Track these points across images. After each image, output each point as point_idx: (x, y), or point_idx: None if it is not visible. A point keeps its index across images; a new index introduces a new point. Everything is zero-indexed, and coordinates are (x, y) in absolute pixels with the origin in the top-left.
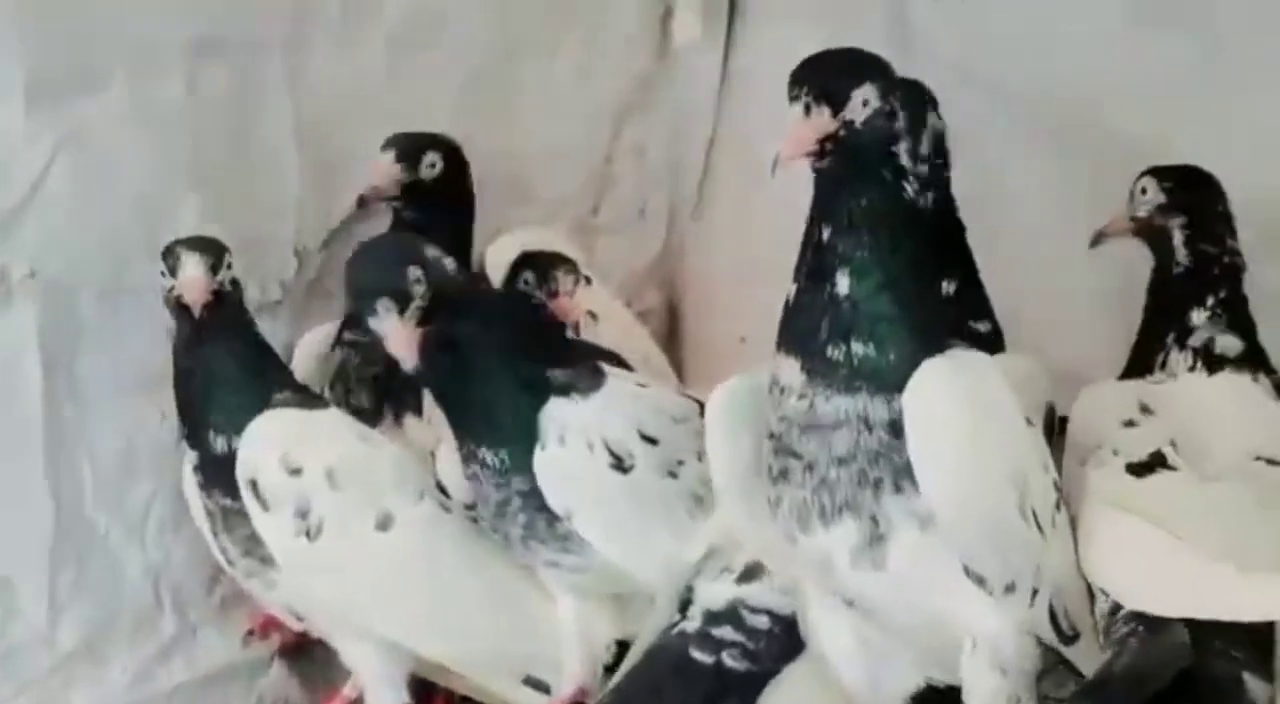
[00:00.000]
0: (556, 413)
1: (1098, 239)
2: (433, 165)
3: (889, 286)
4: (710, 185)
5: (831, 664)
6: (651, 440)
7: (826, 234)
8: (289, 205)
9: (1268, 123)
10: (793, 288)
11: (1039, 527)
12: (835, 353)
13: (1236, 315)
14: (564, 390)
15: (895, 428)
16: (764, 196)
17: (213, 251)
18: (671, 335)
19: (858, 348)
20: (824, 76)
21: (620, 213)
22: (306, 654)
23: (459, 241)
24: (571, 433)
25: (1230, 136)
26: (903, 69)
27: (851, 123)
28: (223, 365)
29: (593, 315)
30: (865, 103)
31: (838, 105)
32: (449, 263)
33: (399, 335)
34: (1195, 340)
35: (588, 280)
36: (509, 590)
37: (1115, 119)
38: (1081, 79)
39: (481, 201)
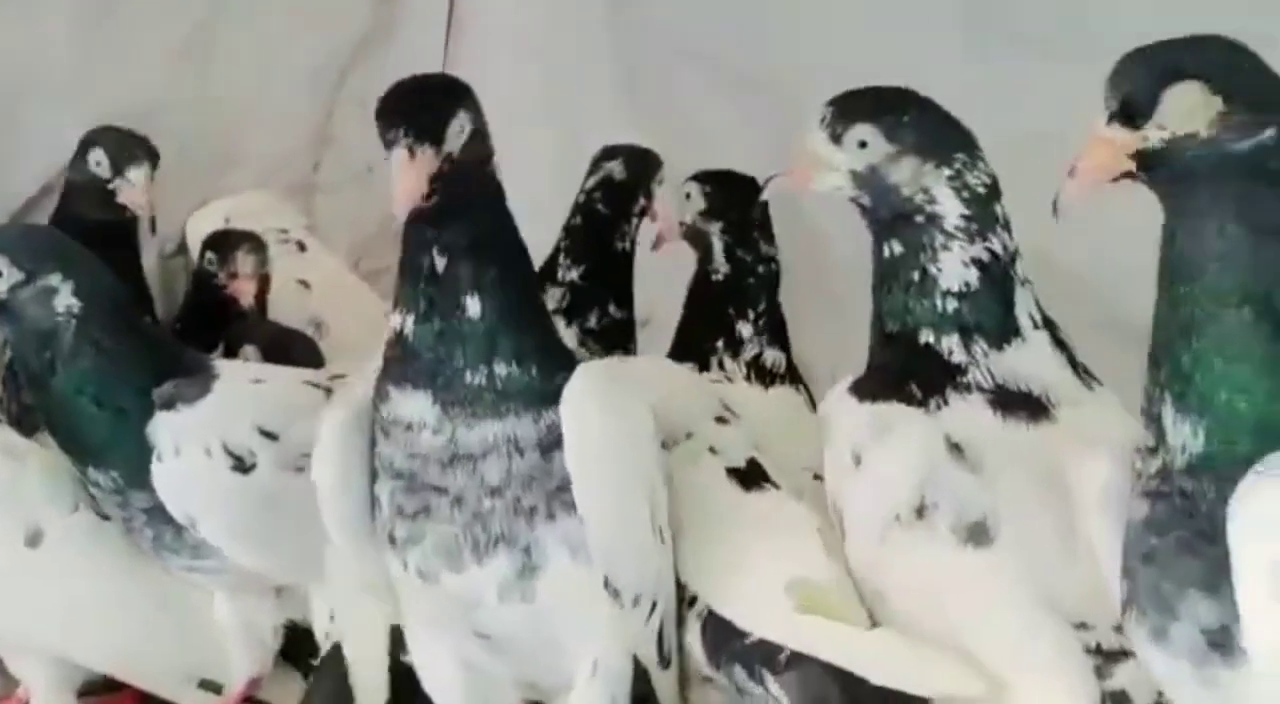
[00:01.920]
0: (166, 425)
1: (658, 244)
2: None
3: (520, 304)
4: None
5: (427, 688)
6: (272, 436)
7: (443, 264)
8: None
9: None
10: (403, 320)
11: (663, 540)
12: (476, 379)
13: (776, 327)
14: (168, 404)
15: (545, 447)
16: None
17: None
18: None
19: (500, 369)
20: (419, 115)
21: (345, 170)
22: None
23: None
24: (186, 441)
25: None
26: (619, 38)
27: (451, 155)
28: None
29: (304, 284)
30: (461, 130)
31: (438, 141)
32: (108, 282)
33: None
34: (747, 354)
35: (301, 246)
36: (171, 595)
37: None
38: (794, 50)
39: (191, 168)
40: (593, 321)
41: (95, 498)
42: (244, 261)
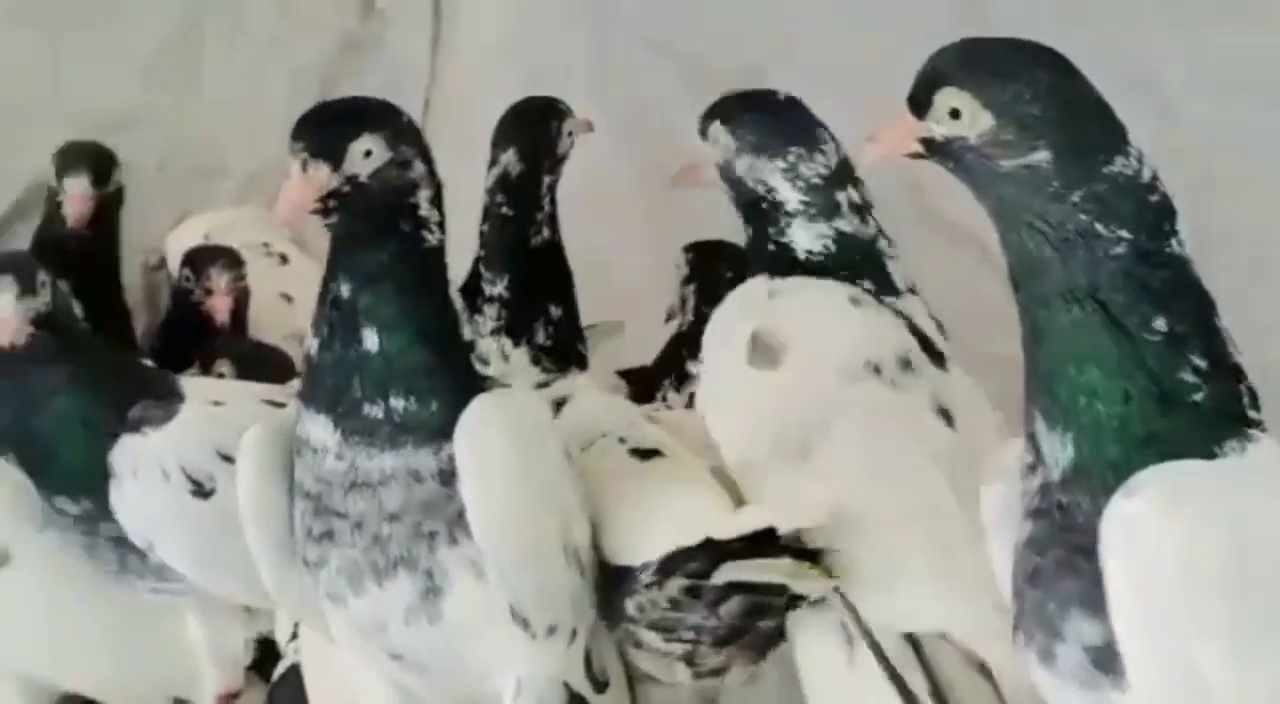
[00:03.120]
0: (128, 449)
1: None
2: (116, 180)
3: (421, 339)
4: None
5: None
6: (231, 459)
7: (347, 290)
8: None
9: None
10: (312, 343)
11: (580, 566)
12: (374, 410)
13: None
14: (135, 427)
15: (445, 477)
16: (480, 158)
17: None
18: None
19: (397, 403)
20: (319, 131)
21: None
22: None
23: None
24: (145, 465)
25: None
26: (596, 38)
27: (355, 177)
28: None
29: (286, 298)
30: (368, 154)
31: (335, 160)
32: (74, 308)
33: (5, 316)
34: (691, 387)
35: (283, 259)
36: (143, 613)
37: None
38: (763, 43)
39: (174, 180)
40: (540, 337)
41: (60, 531)
42: (218, 278)
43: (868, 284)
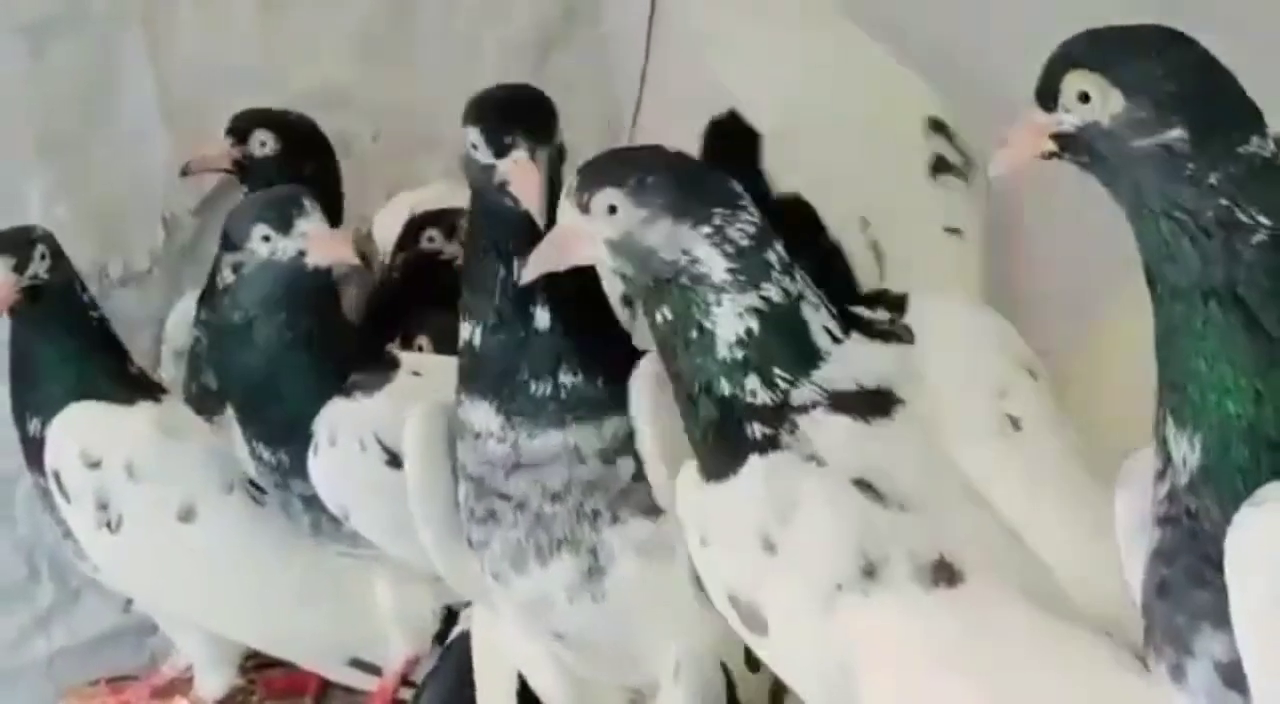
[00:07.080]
0: (330, 414)
1: None
2: (263, 143)
3: (588, 312)
4: (644, 119)
5: (535, 690)
6: None
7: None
8: (155, 175)
9: None
10: (473, 330)
11: None
12: (540, 389)
13: None
14: (347, 391)
15: (607, 455)
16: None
17: (16, 250)
18: None
19: (566, 379)
20: (535, 115)
21: None
22: None
23: None
24: (342, 433)
25: None
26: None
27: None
28: (40, 354)
29: None
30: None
31: (552, 141)
32: None
33: None
34: None
35: None
36: (326, 577)
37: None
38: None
39: (387, 151)
40: None
41: (257, 477)
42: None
43: (782, 375)
